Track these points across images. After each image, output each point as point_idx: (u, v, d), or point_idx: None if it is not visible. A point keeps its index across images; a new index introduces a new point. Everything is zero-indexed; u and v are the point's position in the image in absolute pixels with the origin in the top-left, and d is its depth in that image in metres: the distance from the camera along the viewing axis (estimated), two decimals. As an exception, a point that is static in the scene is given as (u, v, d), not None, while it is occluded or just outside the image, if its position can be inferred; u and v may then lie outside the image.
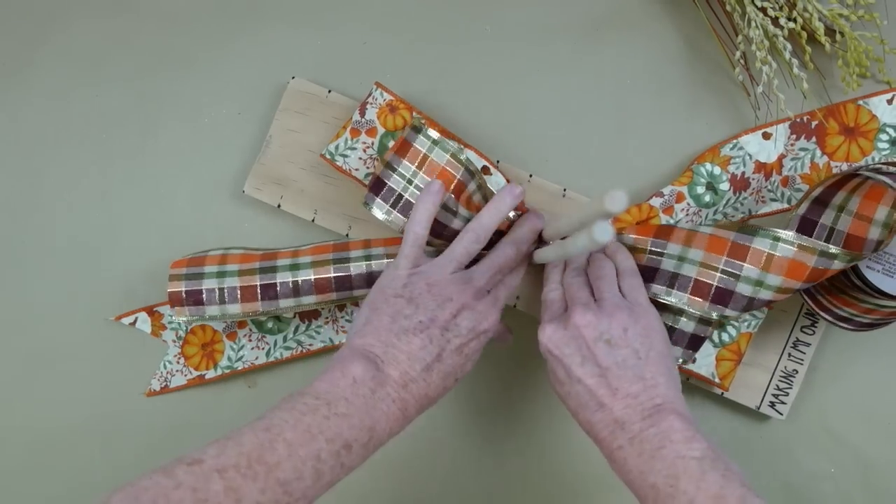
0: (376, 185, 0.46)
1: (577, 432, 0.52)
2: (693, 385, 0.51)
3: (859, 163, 0.50)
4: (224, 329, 0.52)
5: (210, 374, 0.52)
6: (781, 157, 0.50)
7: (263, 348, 0.52)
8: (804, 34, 0.50)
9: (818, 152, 0.50)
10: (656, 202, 0.49)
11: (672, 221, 0.49)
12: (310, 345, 0.52)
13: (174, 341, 0.52)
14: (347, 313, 0.52)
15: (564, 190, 0.51)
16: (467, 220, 0.45)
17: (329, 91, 0.52)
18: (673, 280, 0.45)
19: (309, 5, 0.55)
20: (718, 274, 0.44)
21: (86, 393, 0.53)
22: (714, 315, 0.44)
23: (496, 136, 0.53)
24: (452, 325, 0.41)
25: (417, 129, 0.46)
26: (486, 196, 0.47)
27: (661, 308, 0.45)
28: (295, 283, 0.47)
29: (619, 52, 0.54)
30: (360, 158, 0.50)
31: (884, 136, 0.50)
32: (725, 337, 0.48)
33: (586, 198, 0.51)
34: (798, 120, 0.50)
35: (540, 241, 0.48)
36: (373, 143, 0.50)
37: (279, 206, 0.52)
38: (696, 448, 0.37)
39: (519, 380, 0.53)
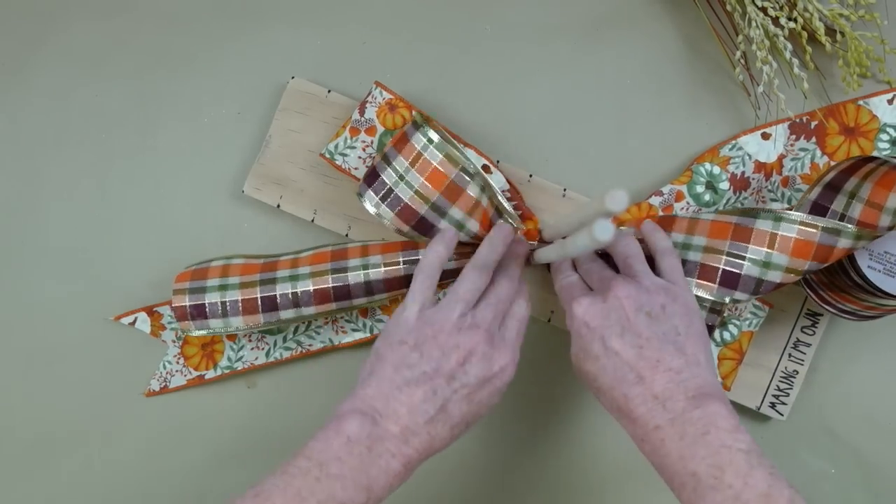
0: (370, 176, 0.46)
1: (578, 433, 0.52)
2: (693, 385, 0.51)
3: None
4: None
5: (210, 374, 0.52)
6: (781, 158, 0.50)
7: (263, 348, 0.52)
8: (805, 34, 0.50)
9: (818, 152, 0.50)
10: (655, 201, 0.49)
11: (672, 221, 0.49)
12: (309, 345, 0.52)
13: (174, 341, 0.52)
14: (347, 313, 0.52)
15: (564, 190, 0.51)
16: (458, 223, 0.45)
17: (329, 91, 0.52)
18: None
19: (309, 5, 0.55)
20: (724, 257, 0.43)
21: (85, 393, 0.53)
22: (726, 299, 0.44)
23: (496, 136, 0.53)
24: (460, 374, 0.39)
25: (418, 126, 0.46)
26: (492, 199, 0.47)
27: None
28: (294, 294, 0.47)
29: (619, 52, 0.54)
30: (360, 157, 0.50)
31: (884, 136, 0.49)
32: (727, 336, 0.48)
33: (586, 198, 0.51)
34: (797, 120, 0.50)
35: (541, 241, 0.48)
36: (372, 142, 0.50)
37: (279, 206, 0.52)
38: (742, 440, 0.36)
39: (522, 381, 0.53)
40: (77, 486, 0.53)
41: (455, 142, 0.46)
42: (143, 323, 0.52)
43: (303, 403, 0.53)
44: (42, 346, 0.54)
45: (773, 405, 0.50)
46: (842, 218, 0.45)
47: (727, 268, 0.43)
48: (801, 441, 0.52)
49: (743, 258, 0.43)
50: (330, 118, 0.52)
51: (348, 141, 0.50)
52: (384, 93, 0.50)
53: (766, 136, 0.50)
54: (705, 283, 0.44)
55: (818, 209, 0.46)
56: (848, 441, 0.51)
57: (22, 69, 0.55)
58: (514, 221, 0.48)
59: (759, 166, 0.50)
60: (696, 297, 0.44)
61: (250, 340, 0.52)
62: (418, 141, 0.45)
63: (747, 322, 0.48)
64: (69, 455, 0.53)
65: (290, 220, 0.53)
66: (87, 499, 0.53)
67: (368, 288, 0.47)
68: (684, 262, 0.44)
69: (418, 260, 0.47)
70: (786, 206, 0.50)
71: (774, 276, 0.43)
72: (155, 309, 0.53)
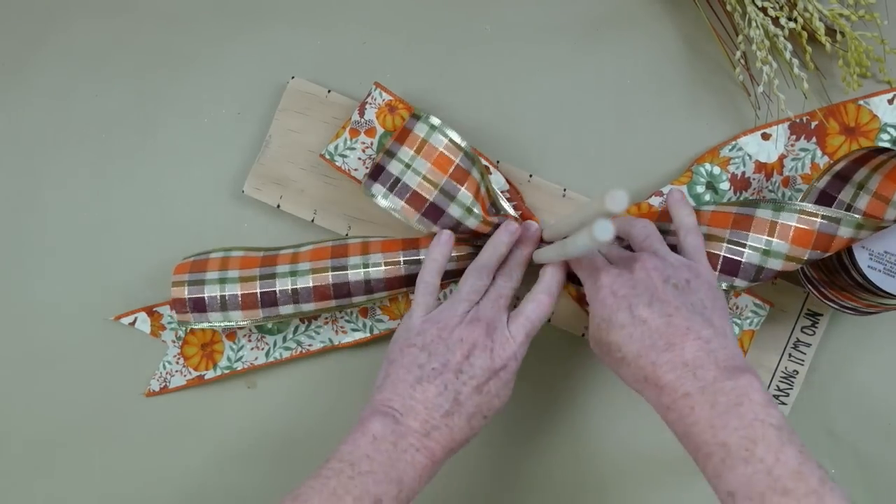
0: (375, 171, 0.46)
1: (578, 433, 0.52)
2: (693, 385, 0.51)
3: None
4: (223, 329, 0.52)
5: (209, 374, 0.52)
6: (782, 158, 0.50)
7: (263, 348, 0.52)
8: (805, 34, 0.50)
9: (818, 152, 0.50)
10: (655, 201, 0.49)
11: (672, 221, 0.49)
12: (309, 345, 0.52)
13: (174, 341, 0.52)
14: (347, 313, 0.52)
15: (564, 190, 0.51)
16: (467, 208, 0.46)
17: (329, 91, 0.52)
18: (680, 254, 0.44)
19: (309, 5, 0.55)
20: (725, 244, 0.43)
21: (85, 393, 0.53)
22: (723, 285, 0.44)
23: (496, 136, 0.53)
24: (466, 367, 0.41)
25: (418, 117, 0.46)
26: (488, 187, 0.47)
27: None
28: (294, 290, 0.47)
29: (619, 52, 0.54)
30: (360, 158, 0.50)
31: (885, 136, 0.49)
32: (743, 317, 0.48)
33: (586, 198, 0.51)
34: (798, 120, 0.50)
35: (541, 241, 0.48)
36: (372, 144, 0.50)
37: (279, 206, 0.52)
38: (774, 415, 0.35)
39: (523, 382, 0.53)
40: (77, 486, 0.53)
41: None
42: (143, 323, 0.52)
43: (303, 403, 0.53)
44: (42, 346, 0.54)
45: (773, 405, 0.50)
46: (848, 208, 0.44)
47: (728, 255, 0.43)
48: (801, 441, 0.52)
49: (744, 245, 0.43)
50: (330, 118, 0.52)
51: (348, 142, 0.50)
52: (384, 94, 0.50)
53: (766, 137, 0.50)
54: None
55: (825, 198, 0.45)
56: (848, 441, 0.51)
57: (22, 69, 0.55)
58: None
59: (760, 166, 0.50)
60: None
61: (250, 340, 0.52)
62: (421, 129, 0.46)
63: (748, 321, 0.48)
64: (69, 455, 0.53)
65: (290, 220, 0.53)
66: (87, 499, 0.53)
67: (368, 286, 0.47)
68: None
69: (419, 259, 0.47)
70: (787, 204, 0.50)
71: (775, 264, 0.43)
72: (155, 309, 0.53)
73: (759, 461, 0.34)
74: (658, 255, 0.41)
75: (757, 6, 0.49)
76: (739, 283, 0.43)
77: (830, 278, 0.46)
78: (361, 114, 0.50)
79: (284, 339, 0.52)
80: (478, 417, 0.42)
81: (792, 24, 0.49)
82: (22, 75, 0.55)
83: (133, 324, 0.52)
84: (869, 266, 0.43)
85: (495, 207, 0.48)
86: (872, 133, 0.50)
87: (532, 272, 0.47)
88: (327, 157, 0.50)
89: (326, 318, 0.52)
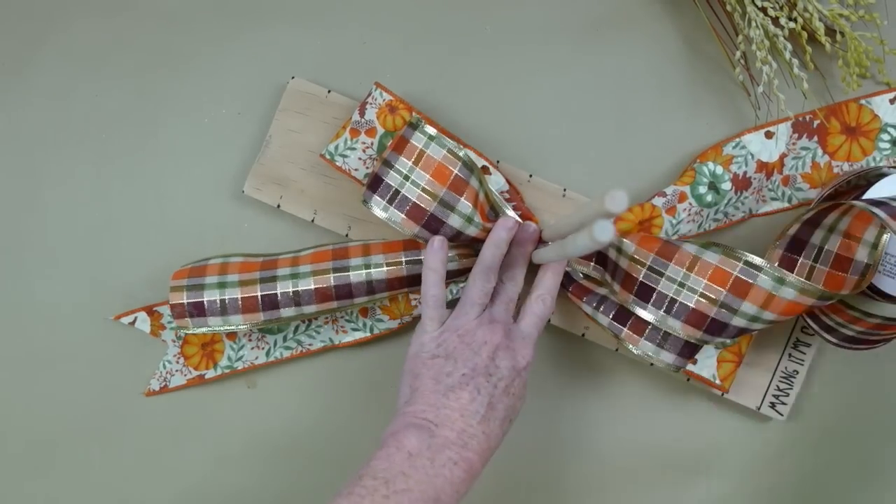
0: (374, 183, 0.46)
1: (578, 433, 0.52)
2: (693, 386, 0.51)
3: (860, 163, 0.50)
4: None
5: (210, 373, 0.52)
6: (783, 157, 0.50)
7: (263, 348, 0.52)
8: (804, 34, 0.50)
9: (819, 151, 0.50)
10: (658, 202, 0.49)
11: (674, 221, 0.49)
12: (310, 345, 0.52)
13: (174, 341, 0.52)
14: (347, 313, 0.52)
15: (564, 190, 0.51)
16: (468, 218, 0.45)
17: (329, 91, 0.52)
18: (670, 306, 0.43)
19: (309, 5, 0.55)
20: (716, 308, 0.42)
21: (85, 393, 0.53)
22: (705, 341, 0.43)
23: (496, 136, 0.53)
24: (493, 368, 0.41)
25: (414, 126, 0.46)
26: (487, 193, 0.47)
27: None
28: (296, 292, 0.47)
29: (619, 52, 0.54)
30: (360, 159, 0.50)
31: (885, 136, 0.49)
32: (727, 340, 0.48)
33: (586, 198, 0.51)
34: (801, 119, 0.50)
35: (540, 241, 0.48)
36: (372, 144, 0.50)
37: (279, 206, 0.52)
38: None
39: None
40: (77, 486, 0.53)
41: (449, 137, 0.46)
42: (143, 323, 0.52)
43: (303, 403, 0.53)
44: (42, 346, 0.54)
45: (773, 405, 0.50)
46: (819, 250, 0.44)
47: (717, 317, 0.42)
48: (800, 441, 0.52)
49: (735, 312, 0.42)
50: (330, 118, 0.52)
51: (348, 142, 0.50)
52: (384, 94, 0.50)
53: (769, 135, 0.50)
54: (691, 327, 0.43)
55: (797, 243, 0.45)
56: (847, 441, 0.51)
57: (22, 69, 0.55)
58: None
59: (762, 166, 0.50)
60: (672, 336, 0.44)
61: (250, 340, 0.52)
62: (419, 140, 0.45)
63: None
64: (69, 455, 0.53)
65: (291, 220, 0.53)
66: (86, 499, 0.53)
67: (370, 287, 0.47)
68: (675, 302, 0.43)
69: (420, 259, 0.47)
70: (786, 204, 0.50)
71: (758, 326, 0.43)
72: (155, 308, 0.53)
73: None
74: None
75: (757, 6, 0.49)
76: (720, 339, 0.43)
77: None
78: (362, 114, 0.50)
79: (285, 339, 0.52)
80: (506, 422, 0.42)
81: (792, 24, 0.49)
82: (22, 75, 0.55)
83: (133, 323, 0.52)
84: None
85: (494, 211, 0.48)
86: (873, 133, 0.50)
87: (531, 272, 0.48)
88: (327, 157, 0.50)
89: (327, 318, 0.52)
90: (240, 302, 0.47)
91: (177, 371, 0.52)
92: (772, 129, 0.50)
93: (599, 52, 0.54)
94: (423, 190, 0.45)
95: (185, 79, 0.55)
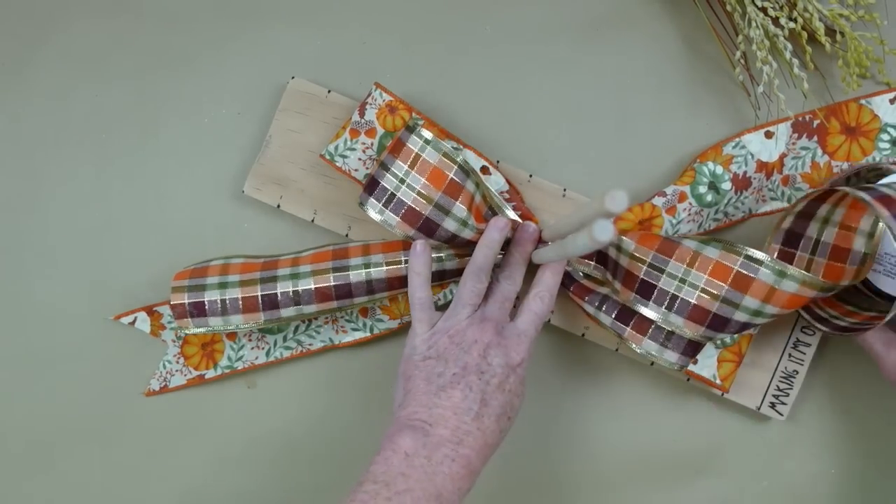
0: (370, 185, 0.46)
1: (578, 433, 0.52)
2: (693, 386, 0.51)
3: (857, 162, 0.50)
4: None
5: (210, 373, 0.52)
6: (783, 156, 0.50)
7: (263, 348, 0.52)
8: (804, 34, 0.50)
9: (819, 151, 0.50)
10: (658, 201, 0.49)
11: (674, 221, 0.49)
12: (310, 344, 0.52)
13: (174, 341, 0.52)
14: (347, 313, 0.52)
15: (564, 190, 0.51)
16: (462, 221, 0.45)
17: (329, 91, 0.52)
18: (672, 303, 0.43)
19: (309, 5, 0.55)
20: (718, 303, 0.42)
21: (85, 393, 0.53)
22: (708, 336, 0.43)
23: (496, 136, 0.53)
24: (485, 366, 0.41)
25: (411, 129, 0.46)
26: (485, 195, 0.47)
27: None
28: (296, 292, 0.47)
29: (619, 52, 0.54)
30: (360, 159, 0.50)
31: (885, 136, 0.49)
32: (727, 338, 0.48)
33: (586, 198, 0.51)
34: (801, 118, 0.50)
35: (540, 241, 0.48)
36: (372, 144, 0.50)
37: (279, 206, 0.52)
38: None
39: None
40: (77, 486, 0.53)
41: (445, 140, 0.46)
42: (143, 322, 0.52)
43: (303, 403, 0.53)
44: (42, 346, 0.54)
45: (773, 405, 0.50)
46: (816, 243, 0.44)
47: (719, 313, 0.42)
48: (800, 441, 0.52)
49: (737, 306, 0.42)
50: (330, 118, 0.52)
51: (348, 142, 0.50)
52: (384, 94, 0.50)
53: (769, 135, 0.50)
54: (693, 323, 0.43)
55: (792, 237, 0.45)
56: (847, 441, 0.51)
57: (22, 69, 0.55)
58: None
59: (761, 166, 0.50)
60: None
61: (250, 340, 0.52)
62: (415, 143, 0.45)
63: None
64: (69, 455, 0.53)
65: (291, 221, 0.53)
66: (87, 499, 0.53)
67: (370, 286, 0.47)
68: (677, 299, 0.43)
69: None
70: (786, 204, 0.50)
71: (761, 320, 0.43)
72: (155, 308, 0.53)
73: None
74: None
75: (757, 6, 0.49)
76: (722, 335, 0.43)
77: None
78: (362, 114, 0.50)
79: (285, 339, 0.52)
80: (504, 419, 0.41)
81: (792, 24, 0.49)
82: (22, 75, 0.55)
83: (133, 323, 0.52)
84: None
85: (493, 212, 0.48)
86: (873, 133, 0.50)
87: (531, 272, 0.47)
88: (327, 157, 0.50)
89: (327, 318, 0.52)
90: (240, 302, 0.47)
91: (177, 371, 0.52)
92: (771, 128, 0.50)
93: (599, 52, 0.54)
94: (419, 194, 0.45)
95: (185, 79, 0.55)
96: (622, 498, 0.52)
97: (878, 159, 0.50)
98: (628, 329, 0.45)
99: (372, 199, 0.46)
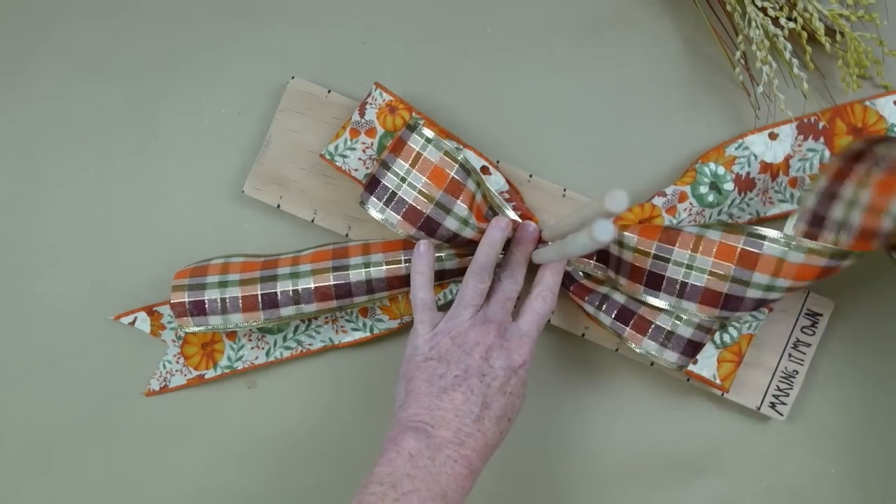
0: (371, 184, 0.46)
1: (577, 433, 0.52)
2: (693, 386, 0.51)
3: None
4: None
5: (210, 373, 0.52)
6: (788, 158, 0.50)
7: (263, 348, 0.52)
8: (804, 34, 0.50)
9: (827, 153, 0.50)
10: (659, 201, 0.49)
11: (675, 222, 0.49)
12: (310, 344, 0.52)
13: (174, 341, 0.52)
14: (347, 313, 0.52)
15: (564, 190, 0.51)
16: (463, 220, 0.45)
17: (329, 91, 0.52)
18: (682, 290, 0.43)
19: (309, 5, 0.55)
20: (728, 283, 0.42)
21: (85, 393, 0.53)
22: (724, 317, 0.43)
23: (496, 136, 0.53)
24: (487, 368, 0.42)
25: (412, 128, 0.46)
26: (486, 195, 0.47)
27: (659, 309, 0.45)
28: (295, 291, 0.47)
29: (619, 52, 0.54)
30: (360, 159, 0.50)
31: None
32: (727, 338, 0.48)
33: (586, 198, 0.51)
34: (806, 120, 0.50)
35: (540, 241, 0.48)
36: (372, 144, 0.50)
37: (279, 206, 0.52)
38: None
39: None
40: (77, 486, 0.53)
41: (447, 139, 0.46)
42: (143, 322, 0.52)
43: (303, 403, 0.53)
44: (42, 346, 0.54)
45: (773, 405, 0.50)
46: (843, 225, 0.44)
47: (730, 293, 0.42)
48: (800, 441, 0.52)
49: (748, 283, 0.42)
50: (330, 118, 0.52)
51: (348, 142, 0.50)
52: (384, 94, 0.50)
53: (773, 136, 0.50)
54: (707, 307, 0.43)
55: (817, 219, 0.45)
56: (847, 441, 0.51)
57: (22, 69, 0.55)
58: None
59: (766, 167, 0.50)
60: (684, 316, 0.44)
61: (250, 340, 0.52)
62: (416, 142, 0.45)
63: (747, 325, 0.48)
64: (69, 455, 0.53)
65: (291, 220, 0.53)
66: (86, 499, 0.53)
67: (370, 286, 0.47)
68: (687, 285, 0.43)
69: None
70: (794, 206, 0.50)
71: (775, 295, 0.42)
72: (155, 308, 0.53)
73: None
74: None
75: (757, 6, 0.49)
76: (738, 315, 0.43)
77: None
78: (362, 114, 0.50)
79: (285, 339, 0.52)
80: (504, 420, 0.42)
81: (792, 24, 0.49)
82: (22, 75, 0.55)
83: (133, 323, 0.52)
84: None
85: (494, 212, 0.48)
86: (880, 133, 0.50)
87: (531, 272, 0.48)
88: (327, 157, 0.50)
89: (327, 318, 0.52)
90: (240, 301, 0.47)
91: (177, 371, 0.52)
92: (775, 130, 0.50)
93: (599, 52, 0.54)
94: (420, 192, 0.45)
95: (184, 79, 0.55)
96: (622, 498, 0.52)
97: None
98: (628, 329, 0.45)
99: (373, 198, 0.46)
